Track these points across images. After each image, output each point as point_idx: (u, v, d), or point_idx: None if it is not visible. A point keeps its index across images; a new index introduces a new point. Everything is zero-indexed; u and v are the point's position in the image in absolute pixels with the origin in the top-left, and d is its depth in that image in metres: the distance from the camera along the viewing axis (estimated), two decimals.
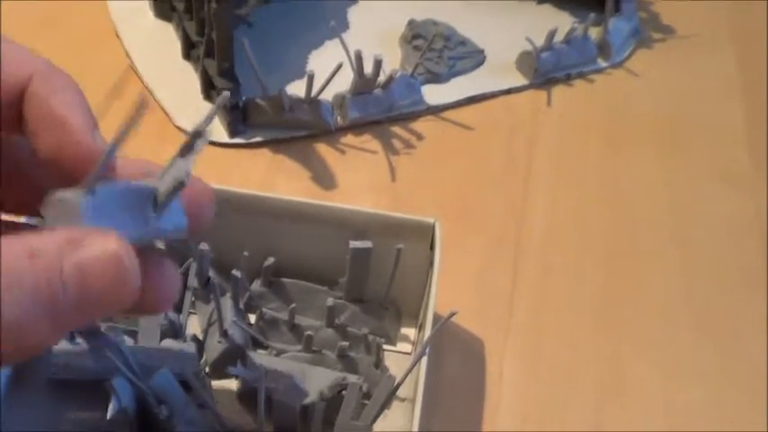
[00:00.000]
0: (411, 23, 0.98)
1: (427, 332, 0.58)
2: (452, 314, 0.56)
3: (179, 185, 0.36)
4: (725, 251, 0.79)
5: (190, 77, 0.88)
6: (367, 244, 0.64)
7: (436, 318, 0.59)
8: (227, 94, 0.36)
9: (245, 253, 0.65)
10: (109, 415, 0.52)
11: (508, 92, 0.94)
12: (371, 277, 0.66)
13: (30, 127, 0.38)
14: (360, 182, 0.81)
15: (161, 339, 0.61)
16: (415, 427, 0.53)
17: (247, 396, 0.61)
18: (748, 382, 0.69)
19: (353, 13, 1.00)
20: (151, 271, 0.37)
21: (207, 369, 0.62)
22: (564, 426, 0.65)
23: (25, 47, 0.39)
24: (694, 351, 0.71)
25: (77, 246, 0.33)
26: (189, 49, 0.89)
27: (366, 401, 0.57)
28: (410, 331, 0.69)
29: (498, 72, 0.95)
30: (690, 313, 0.74)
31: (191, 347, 0.61)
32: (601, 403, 0.67)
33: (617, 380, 0.68)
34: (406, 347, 0.68)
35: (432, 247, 0.64)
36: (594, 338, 0.71)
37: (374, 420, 0.55)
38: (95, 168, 0.35)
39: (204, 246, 0.64)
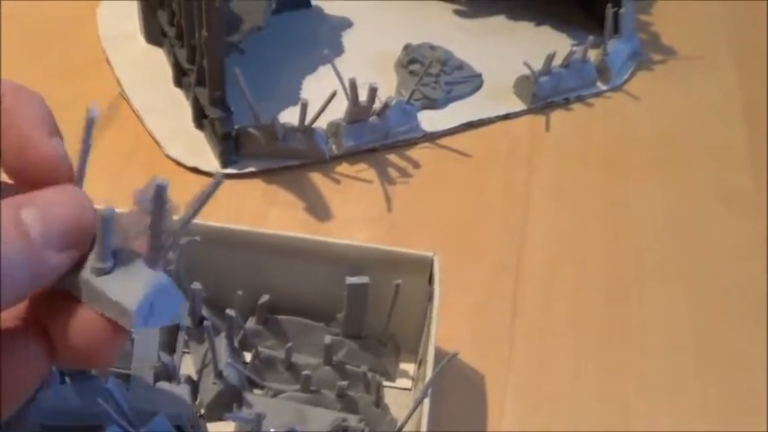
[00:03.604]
0: (407, 48, 0.98)
1: (429, 371, 0.57)
2: (454, 355, 0.56)
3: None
4: (729, 277, 0.79)
5: (181, 105, 0.88)
6: (364, 279, 0.63)
7: (438, 353, 0.59)
8: (221, 174, 0.37)
9: (240, 292, 0.65)
10: None
11: (506, 117, 0.94)
12: (369, 312, 0.65)
13: None
14: (355, 212, 0.81)
15: (155, 382, 0.60)
16: None
17: None
18: (753, 416, 0.69)
19: (348, 38, 1.00)
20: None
21: (202, 411, 0.62)
22: None
23: None
24: (699, 383, 0.71)
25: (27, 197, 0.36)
26: (180, 77, 0.89)
27: None
28: (409, 366, 0.68)
29: (496, 97, 0.95)
30: (694, 345, 0.73)
31: (185, 390, 0.60)
32: None
33: (621, 416, 0.68)
34: (406, 383, 0.67)
35: (430, 281, 0.63)
36: (597, 373, 0.71)
37: None
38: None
39: (196, 285, 0.63)
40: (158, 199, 0.36)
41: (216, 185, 0.36)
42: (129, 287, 0.36)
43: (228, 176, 0.82)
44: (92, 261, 0.37)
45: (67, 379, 0.56)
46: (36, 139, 0.39)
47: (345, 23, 1.02)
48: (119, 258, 0.37)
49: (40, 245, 0.35)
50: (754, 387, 0.71)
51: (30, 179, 0.39)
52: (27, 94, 0.40)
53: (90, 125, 0.39)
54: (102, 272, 0.36)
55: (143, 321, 0.36)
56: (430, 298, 0.63)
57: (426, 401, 0.55)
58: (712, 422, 0.68)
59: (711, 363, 0.72)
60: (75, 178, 0.39)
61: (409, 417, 0.54)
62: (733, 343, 0.74)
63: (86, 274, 0.37)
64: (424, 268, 0.64)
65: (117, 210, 0.37)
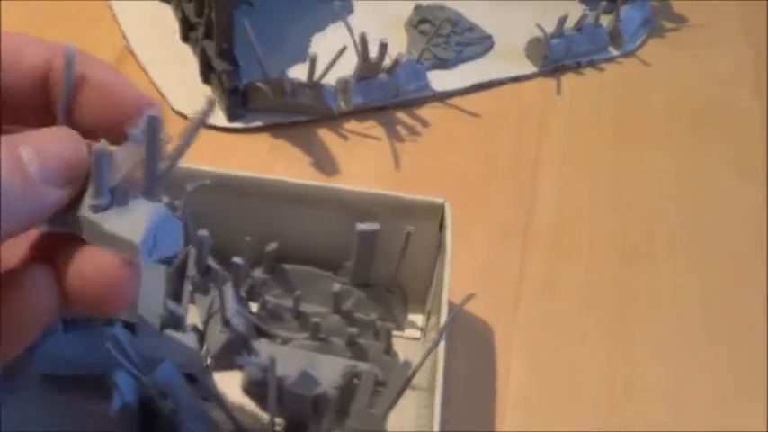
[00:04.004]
0: (418, 8, 0.97)
1: (442, 317, 0.57)
2: (469, 298, 0.56)
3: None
4: (739, 245, 0.79)
5: (188, 60, 0.87)
6: (374, 226, 0.63)
7: (449, 303, 0.58)
8: (213, 98, 0.37)
9: (248, 238, 0.64)
10: (112, 411, 0.51)
11: (516, 79, 0.93)
12: (377, 261, 0.65)
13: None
14: (362, 169, 0.81)
15: (161, 330, 0.60)
16: (437, 418, 0.53)
17: (253, 388, 0.60)
18: (763, 381, 0.69)
19: None
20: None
21: (209, 361, 0.61)
22: (572, 422, 0.65)
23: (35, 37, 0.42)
24: (707, 348, 0.70)
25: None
26: (188, 32, 0.88)
27: (378, 389, 0.56)
28: (417, 317, 0.68)
29: (507, 59, 0.95)
30: (703, 309, 0.73)
31: (192, 338, 0.60)
32: (610, 400, 0.66)
33: (627, 376, 0.68)
34: (414, 333, 0.67)
35: (441, 228, 0.63)
36: (603, 334, 0.70)
37: (390, 408, 0.55)
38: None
39: (203, 232, 0.63)
40: (151, 129, 0.37)
41: (210, 107, 0.38)
42: (130, 221, 0.37)
43: (235, 131, 0.82)
44: (88, 199, 0.37)
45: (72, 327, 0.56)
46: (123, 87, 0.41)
47: None
48: (115, 195, 0.38)
49: (38, 180, 0.36)
50: (764, 355, 0.70)
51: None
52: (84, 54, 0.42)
53: (69, 64, 0.39)
54: (98, 208, 0.37)
55: (148, 253, 0.37)
56: (440, 245, 0.62)
57: (441, 348, 0.55)
58: (721, 387, 0.68)
59: (721, 329, 0.72)
60: (58, 119, 0.40)
61: (423, 361, 0.54)
62: (743, 310, 0.74)
63: (84, 211, 0.37)
64: (434, 215, 0.63)
65: (110, 146, 0.37)
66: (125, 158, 0.37)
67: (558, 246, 0.77)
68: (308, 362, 0.58)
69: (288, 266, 0.66)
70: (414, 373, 0.54)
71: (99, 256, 0.37)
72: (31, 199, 0.36)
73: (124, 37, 0.90)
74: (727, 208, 0.82)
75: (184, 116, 0.82)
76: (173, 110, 0.83)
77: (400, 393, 0.54)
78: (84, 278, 0.37)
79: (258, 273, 0.67)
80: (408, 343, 0.66)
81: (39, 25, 0.90)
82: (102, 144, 0.36)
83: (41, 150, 0.36)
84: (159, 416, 0.53)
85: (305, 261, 0.67)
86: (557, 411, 0.65)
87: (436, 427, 0.52)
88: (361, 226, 0.63)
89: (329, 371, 0.58)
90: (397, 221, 0.63)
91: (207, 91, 0.85)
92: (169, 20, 0.92)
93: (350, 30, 0.81)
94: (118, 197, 0.37)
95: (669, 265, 0.76)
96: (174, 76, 0.86)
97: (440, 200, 0.63)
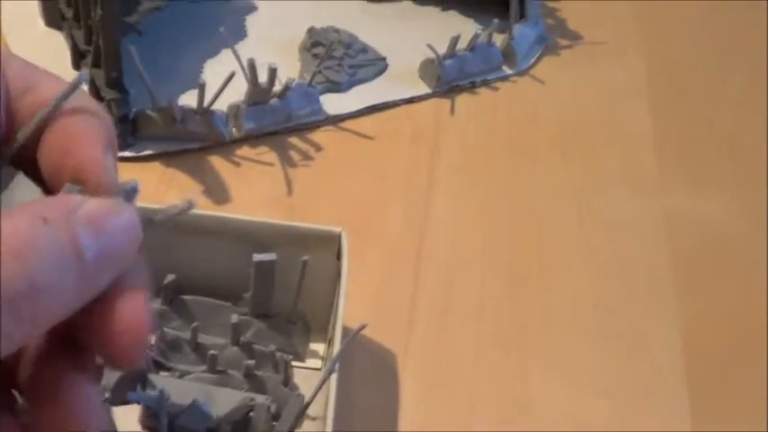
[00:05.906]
0: (311, 31, 1.00)
1: (336, 347, 0.60)
2: (362, 328, 0.58)
3: None
4: (632, 258, 0.83)
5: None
6: (271, 256, 0.65)
7: (345, 331, 0.61)
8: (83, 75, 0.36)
9: None
10: None
11: (410, 100, 0.97)
12: (278, 291, 0.67)
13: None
14: (255, 195, 0.83)
15: None
16: None
17: (149, 422, 0.61)
18: (655, 391, 0.72)
19: (252, 21, 1.03)
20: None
21: (107, 394, 0.63)
22: None
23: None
24: (601, 362, 0.74)
25: (80, 206, 0.33)
26: (79, 59, 0.90)
27: (275, 422, 0.58)
28: (319, 346, 0.70)
29: (401, 80, 0.98)
30: (596, 324, 0.77)
31: None
32: (505, 422, 0.69)
33: (521, 396, 0.71)
34: (316, 363, 0.69)
35: (339, 257, 0.66)
36: (498, 355, 0.73)
37: None
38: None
39: None
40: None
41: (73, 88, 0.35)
42: None
43: (125, 159, 0.83)
44: None
45: None
46: (85, 144, 0.36)
47: (249, 7, 1.04)
48: None
49: (94, 266, 0.33)
50: (656, 368, 0.74)
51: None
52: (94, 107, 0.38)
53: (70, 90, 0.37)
54: None
55: None
56: (338, 274, 0.65)
57: (334, 377, 0.58)
58: (614, 403, 0.71)
59: (613, 344, 0.76)
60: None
61: (316, 392, 0.56)
62: (635, 324, 0.77)
63: None
64: (331, 244, 0.66)
65: None
66: None
67: (452, 267, 0.80)
68: (204, 395, 0.60)
69: (187, 298, 0.68)
70: (307, 405, 0.56)
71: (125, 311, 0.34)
72: (86, 285, 0.32)
73: None
74: (620, 221, 0.87)
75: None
76: None
77: (294, 426, 0.56)
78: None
79: (157, 305, 0.68)
80: (309, 374, 0.68)
81: None
82: None
83: (99, 232, 0.33)
84: None
85: (204, 292, 0.69)
86: None
87: None
88: (258, 256, 0.65)
89: (225, 404, 0.60)
90: (295, 251, 0.66)
91: None
92: (62, 48, 0.93)
93: (236, 55, 0.83)
94: None
95: (563, 282, 0.80)
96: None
97: (337, 229, 0.66)
